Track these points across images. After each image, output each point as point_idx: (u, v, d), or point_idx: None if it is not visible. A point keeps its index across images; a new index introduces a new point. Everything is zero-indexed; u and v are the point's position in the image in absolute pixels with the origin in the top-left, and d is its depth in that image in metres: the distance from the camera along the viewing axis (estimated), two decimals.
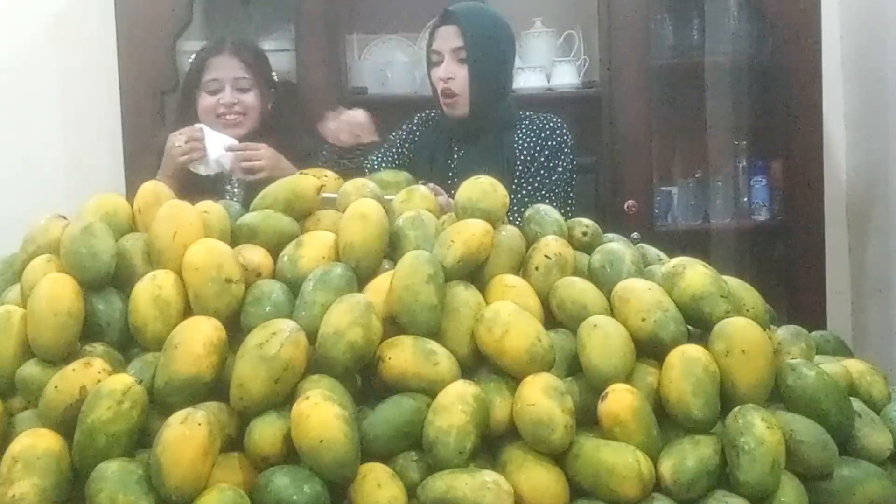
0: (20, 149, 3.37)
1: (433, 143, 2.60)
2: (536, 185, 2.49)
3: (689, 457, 1.32)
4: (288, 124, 2.66)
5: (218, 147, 2.51)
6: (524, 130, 2.56)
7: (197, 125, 2.55)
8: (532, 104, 3.30)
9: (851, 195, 3.54)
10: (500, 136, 2.54)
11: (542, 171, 2.49)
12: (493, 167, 2.35)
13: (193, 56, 2.74)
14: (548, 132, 2.54)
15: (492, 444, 1.38)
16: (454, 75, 2.51)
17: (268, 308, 1.44)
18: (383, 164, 2.55)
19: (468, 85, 2.50)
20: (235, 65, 2.65)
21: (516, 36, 3.35)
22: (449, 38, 2.52)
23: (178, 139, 2.52)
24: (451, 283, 1.46)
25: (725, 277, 1.51)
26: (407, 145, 2.63)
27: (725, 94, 3.37)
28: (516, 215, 1.61)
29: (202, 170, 2.53)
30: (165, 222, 1.50)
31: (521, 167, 2.49)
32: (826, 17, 3.21)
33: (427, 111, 2.69)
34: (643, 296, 1.44)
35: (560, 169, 2.52)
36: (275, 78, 2.74)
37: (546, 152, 2.52)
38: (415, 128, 2.68)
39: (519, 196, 2.47)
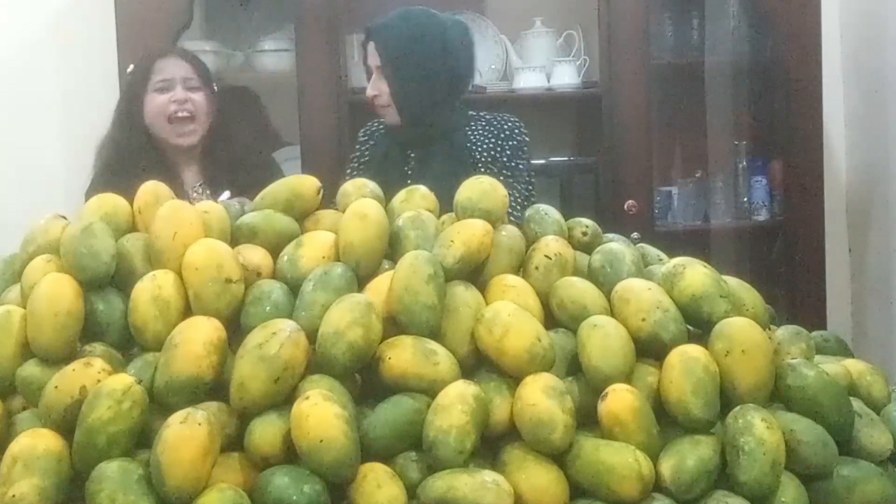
0: (20, 148, 3.36)
1: (385, 150, 2.58)
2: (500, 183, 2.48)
3: (689, 457, 1.32)
4: (237, 133, 2.62)
5: None
6: (481, 131, 2.54)
7: None
8: (532, 104, 3.30)
9: (851, 195, 3.54)
10: (452, 137, 2.52)
11: (504, 171, 2.46)
12: (452, 169, 2.35)
13: (131, 66, 2.71)
14: (507, 132, 2.53)
15: (492, 444, 1.38)
16: (379, 91, 2.50)
17: (268, 308, 1.43)
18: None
19: (391, 99, 2.49)
20: (184, 66, 2.65)
21: (516, 36, 3.38)
22: (372, 54, 2.52)
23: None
24: (451, 283, 1.46)
25: (725, 277, 1.50)
26: (366, 157, 2.62)
27: (725, 94, 3.38)
28: None
29: None
30: (165, 222, 1.50)
31: (483, 168, 2.46)
32: (826, 17, 3.21)
33: (370, 123, 2.67)
34: (643, 296, 1.44)
35: (521, 167, 2.52)
36: (215, 88, 2.72)
37: (508, 152, 2.51)
38: (366, 139, 2.66)
39: None
